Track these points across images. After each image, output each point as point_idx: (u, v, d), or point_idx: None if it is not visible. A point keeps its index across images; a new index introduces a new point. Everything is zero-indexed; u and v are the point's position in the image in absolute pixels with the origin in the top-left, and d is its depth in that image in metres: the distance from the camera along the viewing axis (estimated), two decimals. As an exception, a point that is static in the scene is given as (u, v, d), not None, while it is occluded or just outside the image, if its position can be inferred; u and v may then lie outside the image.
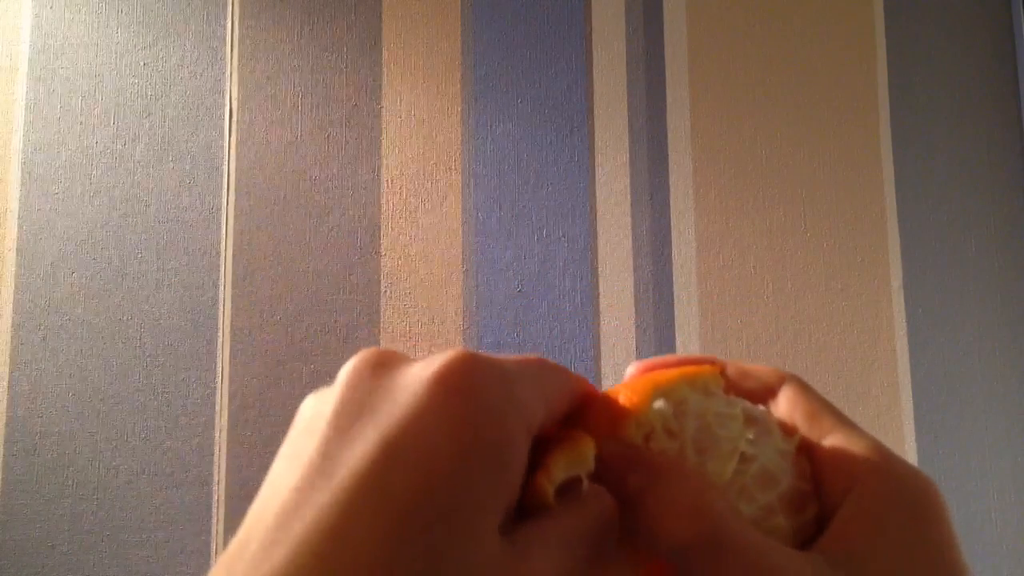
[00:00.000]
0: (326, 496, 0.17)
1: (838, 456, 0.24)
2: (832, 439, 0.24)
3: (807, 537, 0.23)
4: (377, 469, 0.17)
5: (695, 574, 0.21)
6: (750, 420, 0.25)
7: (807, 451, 0.25)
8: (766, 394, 0.27)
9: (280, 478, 0.19)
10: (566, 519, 0.21)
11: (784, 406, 0.26)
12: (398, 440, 0.18)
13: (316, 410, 0.20)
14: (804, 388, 0.27)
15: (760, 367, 0.28)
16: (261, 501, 0.19)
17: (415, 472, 0.18)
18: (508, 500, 0.19)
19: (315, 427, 0.19)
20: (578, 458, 0.22)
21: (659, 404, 0.24)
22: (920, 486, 0.22)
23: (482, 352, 0.20)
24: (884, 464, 0.23)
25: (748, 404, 0.25)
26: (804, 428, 0.25)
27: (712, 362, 0.26)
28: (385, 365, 0.21)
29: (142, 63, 0.88)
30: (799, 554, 0.21)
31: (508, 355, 0.22)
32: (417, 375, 0.19)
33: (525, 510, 0.22)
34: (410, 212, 0.89)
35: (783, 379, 0.27)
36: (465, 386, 0.19)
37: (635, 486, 0.22)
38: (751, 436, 0.24)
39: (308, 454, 0.19)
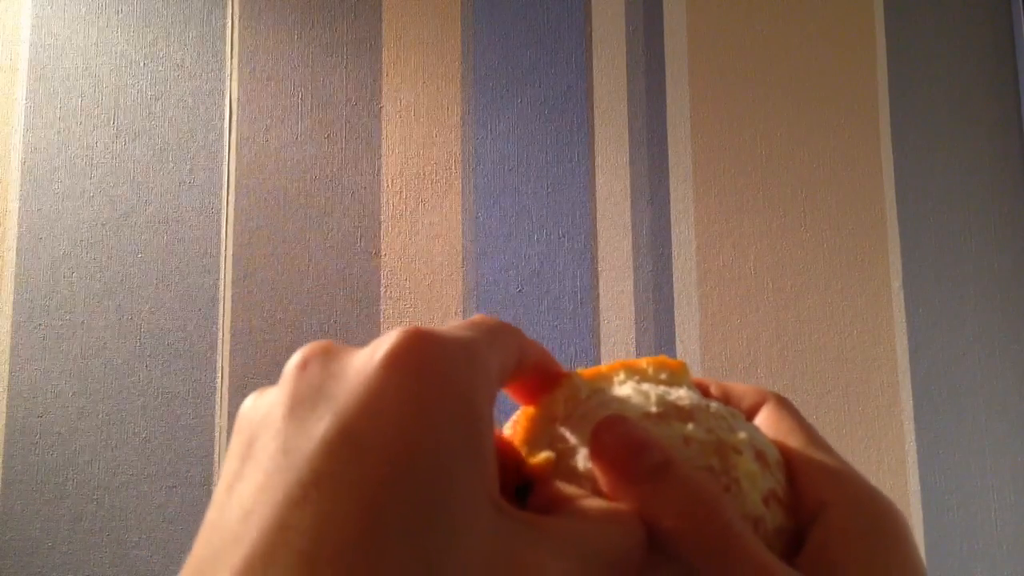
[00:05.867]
0: (286, 492, 0.16)
1: (805, 477, 0.24)
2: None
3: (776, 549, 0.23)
4: (338, 455, 0.17)
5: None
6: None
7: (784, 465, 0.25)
8: (749, 414, 0.27)
9: (240, 480, 0.18)
10: (591, 529, 0.20)
11: (763, 426, 0.26)
12: (356, 424, 0.17)
13: (267, 407, 0.19)
14: (781, 407, 0.27)
15: (742, 386, 0.28)
16: (215, 508, 0.18)
17: (378, 455, 0.17)
18: (489, 474, 0.18)
19: (270, 423, 0.18)
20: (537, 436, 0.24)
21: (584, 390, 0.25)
22: (886, 511, 0.23)
23: (427, 326, 0.20)
24: (852, 490, 0.23)
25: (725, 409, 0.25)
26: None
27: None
28: (331, 353, 0.20)
29: (142, 63, 0.88)
30: (797, 573, 0.21)
31: (452, 323, 0.21)
32: (368, 357, 0.19)
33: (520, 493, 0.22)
34: (410, 212, 0.89)
35: (765, 398, 0.27)
36: (418, 362, 0.18)
37: (639, 473, 0.22)
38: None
39: (267, 451, 0.17)
